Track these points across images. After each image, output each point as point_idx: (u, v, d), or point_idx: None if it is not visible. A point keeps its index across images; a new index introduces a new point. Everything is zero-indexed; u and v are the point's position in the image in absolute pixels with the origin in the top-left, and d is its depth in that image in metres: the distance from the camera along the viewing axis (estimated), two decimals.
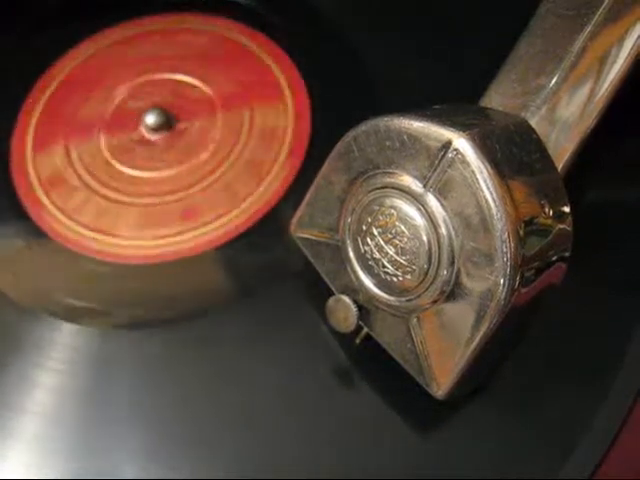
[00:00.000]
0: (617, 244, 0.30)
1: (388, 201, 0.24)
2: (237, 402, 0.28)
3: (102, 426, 0.28)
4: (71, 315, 0.30)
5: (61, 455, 0.27)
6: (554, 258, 0.24)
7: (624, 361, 0.27)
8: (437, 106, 0.25)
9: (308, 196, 0.27)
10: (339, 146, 0.26)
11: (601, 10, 0.27)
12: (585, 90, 0.27)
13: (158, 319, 0.30)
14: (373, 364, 0.28)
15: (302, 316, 0.29)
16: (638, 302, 0.28)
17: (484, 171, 0.22)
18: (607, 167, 0.31)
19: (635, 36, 0.27)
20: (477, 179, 0.22)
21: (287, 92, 0.35)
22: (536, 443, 0.26)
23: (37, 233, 0.32)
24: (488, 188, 0.22)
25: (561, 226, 0.24)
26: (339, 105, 0.34)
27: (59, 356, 0.29)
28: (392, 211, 0.24)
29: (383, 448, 0.27)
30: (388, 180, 0.24)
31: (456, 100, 0.27)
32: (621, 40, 0.27)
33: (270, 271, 0.31)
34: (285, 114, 0.34)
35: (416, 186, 0.24)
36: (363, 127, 0.25)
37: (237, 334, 0.29)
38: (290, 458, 0.27)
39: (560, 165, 0.26)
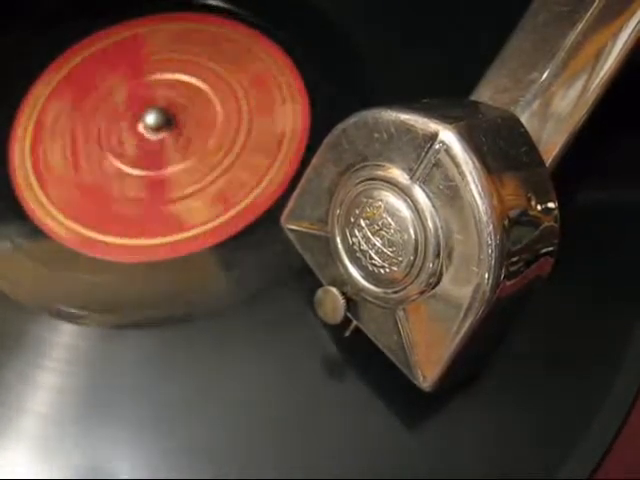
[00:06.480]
0: (617, 244, 0.30)
1: (376, 193, 0.24)
2: (236, 401, 0.28)
3: (102, 426, 0.28)
4: (71, 315, 0.30)
5: (61, 455, 0.27)
6: (540, 252, 0.24)
7: (624, 361, 0.27)
8: (426, 99, 0.25)
9: (299, 188, 0.28)
10: (329, 138, 0.26)
11: (594, 7, 0.27)
12: (577, 86, 0.27)
13: (157, 319, 0.30)
14: (362, 357, 0.28)
15: (301, 315, 0.29)
16: (638, 302, 0.28)
17: (470, 163, 0.22)
18: (608, 167, 0.31)
19: (628, 33, 0.27)
20: (463, 171, 0.22)
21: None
22: (536, 443, 0.26)
23: (37, 233, 0.32)
24: (474, 181, 0.22)
25: (547, 220, 0.24)
26: (338, 103, 0.34)
27: (59, 356, 0.29)
28: (379, 203, 0.24)
29: (372, 443, 0.27)
30: (376, 172, 0.24)
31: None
32: (614, 37, 0.27)
33: (270, 270, 0.31)
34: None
35: (403, 178, 0.24)
36: (352, 119, 0.25)
37: (236, 333, 0.29)
38: (285, 454, 0.27)
39: (549, 160, 0.26)
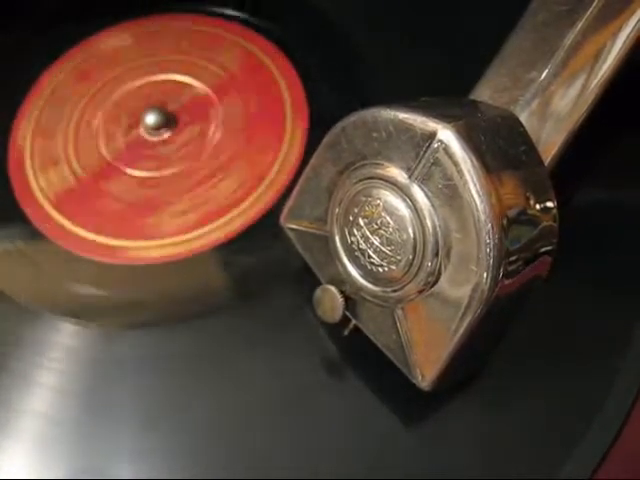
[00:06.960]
0: (617, 244, 0.30)
1: (374, 192, 0.24)
2: (236, 401, 0.28)
3: (102, 426, 0.28)
4: (71, 315, 0.30)
5: (61, 455, 0.27)
6: (539, 251, 0.24)
7: (624, 361, 0.27)
8: (425, 98, 0.25)
9: (298, 187, 0.28)
10: (327, 137, 0.26)
11: (594, 6, 0.27)
12: (576, 85, 0.27)
13: (158, 319, 0.30)
14: (361, 356, 0.28)
15: (300, 314, 0.29)
16: (638, 302, 0.28)
17: (468, 162, 0.22)
18: (608, 166, 0.31)
19: (627, 32, 0.27)
20: (461, 170, 0.22)
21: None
22: (536, 443, 0.26)
23: (37, 234, 0.32)
24: (472, 179, 0.22)
25: (546, 219, 0.24)
26: (338, 103, 0.34)
27: (59, 356, 0.29)
28: (378, 202, 0.24)
29: (370, 442, 0.27)
30: (375, 171, 0.24)
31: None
32: (613, 36, 0.27)
33: (269, 269, 0.31)
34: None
35: (402, 177, 0.24)
36: (351, 118, 0.25)
37: (236, 333, 0.29)
38: (284, 454, 0.27)
39: (548, 159, 0.26)
